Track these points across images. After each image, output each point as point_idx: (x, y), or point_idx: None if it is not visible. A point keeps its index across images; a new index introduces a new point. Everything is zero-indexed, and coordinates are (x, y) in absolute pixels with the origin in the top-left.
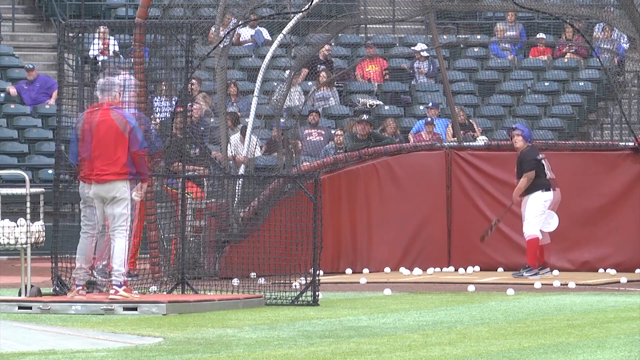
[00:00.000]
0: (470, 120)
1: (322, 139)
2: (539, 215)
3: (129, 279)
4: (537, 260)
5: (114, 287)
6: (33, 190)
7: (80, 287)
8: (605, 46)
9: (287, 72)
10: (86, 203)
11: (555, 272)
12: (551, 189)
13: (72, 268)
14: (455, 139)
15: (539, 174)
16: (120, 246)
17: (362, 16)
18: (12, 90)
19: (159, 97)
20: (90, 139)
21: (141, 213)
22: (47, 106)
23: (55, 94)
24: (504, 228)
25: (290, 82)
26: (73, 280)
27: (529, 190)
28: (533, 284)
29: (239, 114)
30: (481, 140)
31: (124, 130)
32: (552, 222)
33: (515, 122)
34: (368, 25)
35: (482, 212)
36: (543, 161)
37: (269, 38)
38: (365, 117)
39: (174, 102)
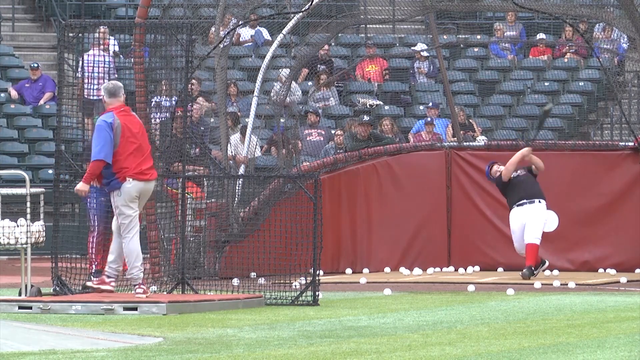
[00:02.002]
0: (470, 120)
1: (322, 139)
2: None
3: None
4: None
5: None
6: (33, 190)
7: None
8: (605, 46)
9: (285, 70)
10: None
11: (555, 272)
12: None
13: (72, 268)
14: (455, 139)
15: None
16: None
17: (362, 16)
18: (13, 92)
19: (158, 97)
20: (133, 139)
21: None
22: (47, 106)
23: (47, 95)
24: (504, 228)
25: (290, 81)
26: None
27: (541, 196)
28: (533, 284)
29: (239, 114)
30: (481, 140)
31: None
32: (552, 223)
33: (515, 122)
34: (368, 25)
35: (482, 212)
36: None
37: (269, 38)
38: (365, 118)
39: (173, 102)
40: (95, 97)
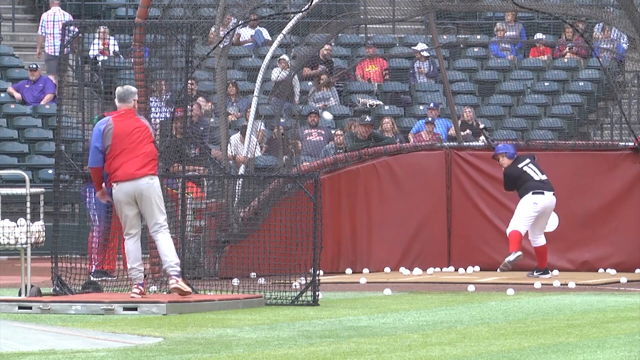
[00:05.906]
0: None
1: (322, 139)
2: (526, 216)
3: (107, 278)
4: (517, 246)
5: (174, 277)
6: (33, 190)
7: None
8: (605, 46)
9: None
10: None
11: (555, 272)
12: (542, 191)
13: (72, 268)
14: (461, 137)
15: (525, 180)
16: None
17: (362, 16)
18: (17, 94)
19: (156, 97)
20: (128, 143)
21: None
22: (47, 106)
23: (47, 97)
24: (504, 228)
25: (291, 80)
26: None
27: (520, 194)
28: (533, 284)
29: (238, 114)
30: (481, 140)
31: (153, 134)
32: (552, 223)
33: (514, 122)
34: (368, 25)
35: (482, 212)
36: (528, 167)
37: (269, 38)
38: (368, 118)
39: (168, 100)
40: (57, 54)
